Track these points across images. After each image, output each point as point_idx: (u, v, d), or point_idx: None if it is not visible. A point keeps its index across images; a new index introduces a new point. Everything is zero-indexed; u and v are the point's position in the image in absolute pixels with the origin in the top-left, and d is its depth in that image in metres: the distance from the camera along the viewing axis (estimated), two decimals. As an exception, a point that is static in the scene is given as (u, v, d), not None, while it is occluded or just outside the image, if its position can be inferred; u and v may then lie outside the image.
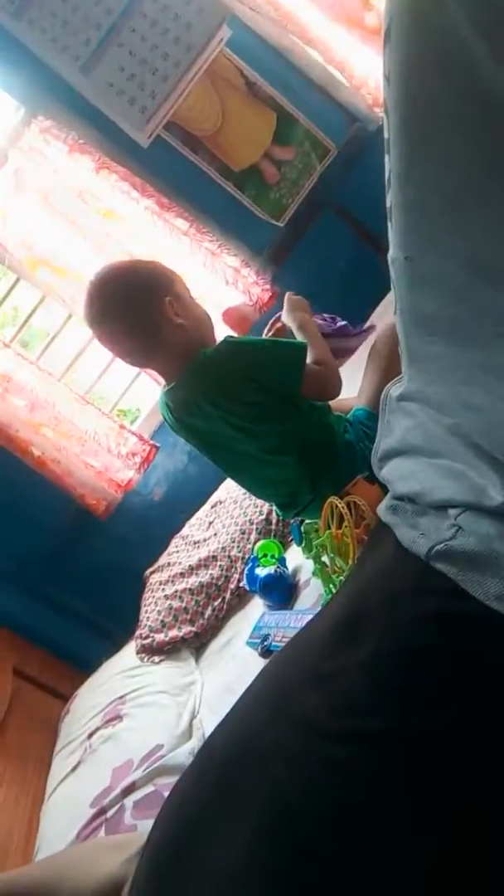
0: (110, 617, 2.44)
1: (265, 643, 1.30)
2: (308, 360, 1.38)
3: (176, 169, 2.35)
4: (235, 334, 2.45)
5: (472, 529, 0.50)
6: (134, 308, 1.32)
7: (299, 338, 1.46)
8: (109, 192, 2.28)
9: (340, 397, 1.48)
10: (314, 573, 1.37)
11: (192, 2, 2.22)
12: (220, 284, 2.43)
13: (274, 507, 1.66)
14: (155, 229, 2.32)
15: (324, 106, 2.41)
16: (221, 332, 2.42)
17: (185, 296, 1.40)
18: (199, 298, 2.32)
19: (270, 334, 1.56)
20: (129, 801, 1.31)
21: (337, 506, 1.25)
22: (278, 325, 1.55)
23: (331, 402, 1.57)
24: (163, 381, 1.46)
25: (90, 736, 1.65)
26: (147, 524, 2.57)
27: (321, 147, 2.42)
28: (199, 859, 0.53)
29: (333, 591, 1.27)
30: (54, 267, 2.30)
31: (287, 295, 1.54)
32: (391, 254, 0.54)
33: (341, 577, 1.24)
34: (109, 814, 1.31)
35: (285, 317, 1.53)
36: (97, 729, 1.64)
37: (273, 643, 1.29)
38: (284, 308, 1.54)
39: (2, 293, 2.55)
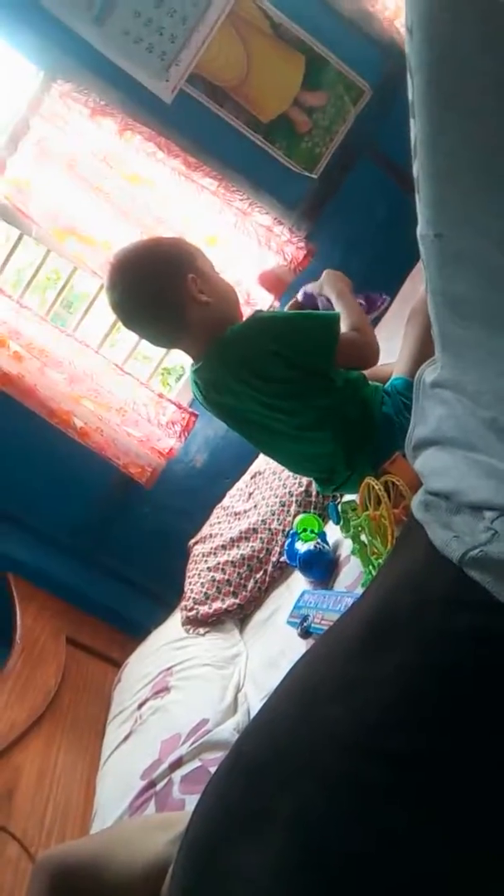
0: (161, 582, 2.48)
1: (304, 624, 1.29)
2: (343, 328, 1.31)
3: (202, 124, 2.25)
4: (272, 298, 2.38)
5: None
6: (157, 290, 1.27)
7: (336, 307, 1.39)
8: (134, 156, 2.21)
9: (379, 363, 1.42)
10: (353, 552, 1.35)
11: None
12: (253, 245, 2.35)
13: (313, 482, 1.63)
14: (182, 191, 2.24)
15: (355, 42, 2.24)
16: (258, 297, 2.38)
17: (209, 271, 1.34)
18: (230, 262, 2.28)
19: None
20: (176, 776, 1.34)
21: (374, 487, 1.20)
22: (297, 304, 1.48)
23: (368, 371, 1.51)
24: (191, 360, 1.43)
25: (140, 706, 1.69)
26: (191, 491, 2.59)
27: (355, 89, 2.27)
28: (232, 867, 0.53)
29: (373, 572, 1.25)
30: (81, 236, 2.26)
31: (326, 270, 1.46)
32: (420, 229, 0.49)
33: (380, 560, 1.21)
34: (158, 787, 1.35)
35: (323, 287, 1.46)
36: (146, 700, 1.69)
37: (312, 625, 1.28)
38: (322, 278, 1.46)
39: (35, 261, 2.53)
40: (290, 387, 1.31)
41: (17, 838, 1.44)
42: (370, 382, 1.46)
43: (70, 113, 2.17)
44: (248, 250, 2.35)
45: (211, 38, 2.15)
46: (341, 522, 1.36)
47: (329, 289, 1.42)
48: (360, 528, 1.24)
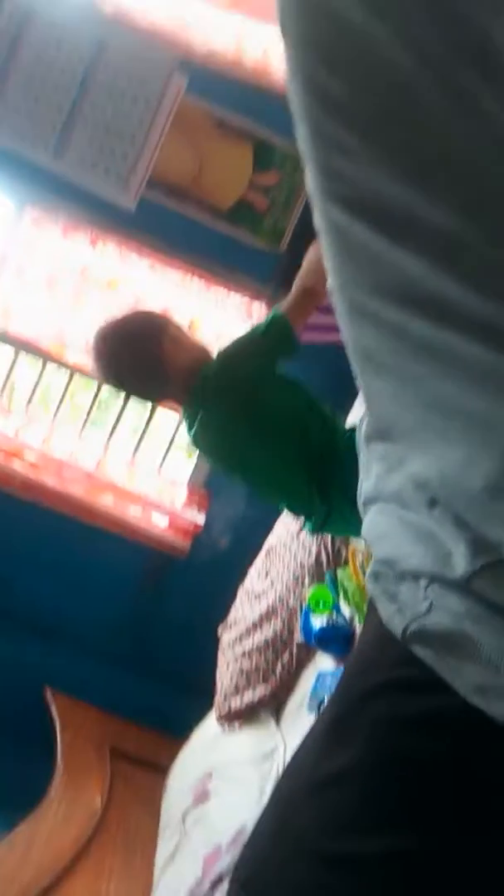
0: (202, 676, 2.41)
1: (321, 710, 1.22)
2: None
3: (167, 223, 2.35)
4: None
5: (442, 605, 0.44)
6: (140, 356, 1.41)
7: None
8: (108, 262, 2.32)
9: None
10: (359, 621, 1.28)
11: (140, 58, 2.22)
12: (238, 320, 2.41)
13: (304, 527, 1.58)
14: (161, 284, 2.33)
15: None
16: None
17: (180, 334, 1.47)
18: (216, 337, 2.33)
19: None
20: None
21: (359, 554, 1.15)
22: None
23: None
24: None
25: (184, 819, 1.61)
26: (220, 575, 2.54)
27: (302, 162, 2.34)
28: None
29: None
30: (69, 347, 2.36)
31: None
32: (328, 282, 0.49)
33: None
34: (201, 910, 1.27)
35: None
36: (189, 810, 1.61)
37: (328, 710, 1.20)
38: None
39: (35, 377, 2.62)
40: (263, 409, 1.36)
41: None
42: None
43: (43, 236, 2.30)
44: (230, 324, 2.42)
45: (160, 147, 2.27)
46: (341, 592, 1.30)
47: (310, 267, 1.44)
48: (356, 598, 1.19)
